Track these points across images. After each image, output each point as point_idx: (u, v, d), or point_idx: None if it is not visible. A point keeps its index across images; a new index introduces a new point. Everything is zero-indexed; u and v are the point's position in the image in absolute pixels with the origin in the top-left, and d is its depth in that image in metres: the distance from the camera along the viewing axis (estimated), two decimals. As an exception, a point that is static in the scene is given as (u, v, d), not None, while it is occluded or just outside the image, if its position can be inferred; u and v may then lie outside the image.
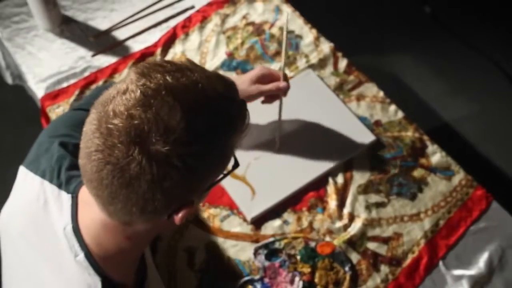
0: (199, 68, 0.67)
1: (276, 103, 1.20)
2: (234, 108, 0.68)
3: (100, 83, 1.37)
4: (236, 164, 0.74)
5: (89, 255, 0.73)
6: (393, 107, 1.37)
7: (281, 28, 1.50)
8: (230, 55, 1.44)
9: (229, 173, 0.73)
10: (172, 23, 1.51)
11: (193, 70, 0.65)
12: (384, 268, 1.14)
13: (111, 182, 0.60)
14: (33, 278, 0.80)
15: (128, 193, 0.61)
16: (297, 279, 1.11)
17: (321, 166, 1.24)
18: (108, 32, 1.47)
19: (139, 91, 0.60)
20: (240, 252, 1.14)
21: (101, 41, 1.45)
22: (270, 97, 1.18)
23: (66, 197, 0.78)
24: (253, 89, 1.14)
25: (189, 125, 0.60)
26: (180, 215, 0.68)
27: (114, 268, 0.75)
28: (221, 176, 0.72)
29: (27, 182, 0.84)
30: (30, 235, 0.80)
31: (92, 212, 0.71)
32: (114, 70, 1.40)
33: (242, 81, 1.14)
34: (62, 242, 0.75)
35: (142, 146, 0.58)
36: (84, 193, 0.75)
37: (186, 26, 1.50)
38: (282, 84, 1.14)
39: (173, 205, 0.66)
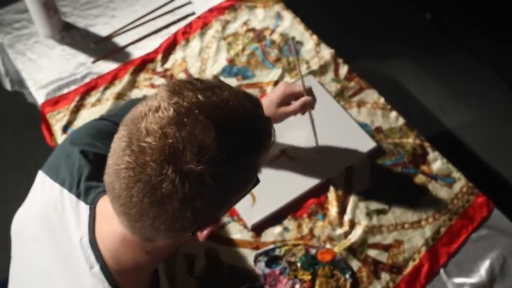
0: (227, 85, 0.67)
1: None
2: (261, 125, 0.68)
3: (101, 89, 1.37)
4: (257, 181, 0.74)
5: (104, 268, 0.73)
6: (394, 114, 1.37)
7: (282, 35, 1.50)
8: (231, 61, 1.44)
9: (250, 189, 0.73)
10: (173, 29, 1.51)
11: (222, 88, 0.65)
12: (385, 276, 1.14)
13: (141, 200, 0.60)
14: (45, 284, 0.80)
15: (158, 211, 0.61)
16: (297, 286, 1.10)
17: (322, 173, 1.24)
18: (108, 38, 1.47)
19: (172, 109, 0.60)
20: (240, 259, 1.14)
21: (101, 47, 1.46)
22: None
23: (84, 208, 0.78)
24: (280, 113, 1.13)
25: (222, 144, 0.60)
26: (205, 232, 0.68)
27: (129, 282, 0.75)
28: (244, 193, 0.72)
29: (45, 188, 0.84)
30: (45, 241, 0.80)
31: (111, 226, 0.71)
32: (114, 76, 1.40)
33: (268, 106, 1.12)
34: (78, 252, 0.75)
35: (176, 165, 0.58)
36: (104, 206, 0.75)
37: (186, 32, 1.50)
38: (307, 99, 1.13)
39: (200, 222, 0.66)
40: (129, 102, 1.09)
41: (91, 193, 0.79)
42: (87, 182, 0.81)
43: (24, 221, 0.86)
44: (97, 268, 0.73)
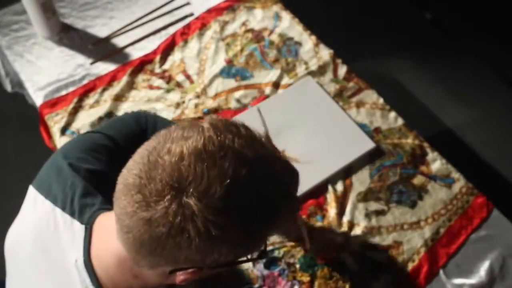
0: (273, 147, 0.65)
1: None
2: (285, 202, 0.64)
3: (99, 90, 1.37)
4: (265, 254, 0.70)
5: None
6: (393, 114, 1.36)
7: (280, 35, 1.50)
8: (229, 62, 1.44)
9: (252, 260, 0.70)
10: (171, 30, 1.51)
11: (264, 146, 0.63)
12: (384, 277, 1.13)
13: (135, 212, 0.59)
14: None
15: (144, 229, 0.59)
16: (296, 288, 1.10)
17: (321, 174, 1.24)
18: (107, 39, 1.47)
19: (202, 141, 0.59)
20: (239, 260, 1.13)
21: (100, 48, 1.45)
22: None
23: (79, 228, 0.76)
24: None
25: (228, 197, 0.57)
26: (182, 276, 0.66)
27: None
28: (243, 259, 0.68)
29: (37, 205, 0.81)
30: (39, 261, 0.78)
31: (108, 243, 0.69)
32: (113, 77, 1.40)
33: None
34: (73, 274, 0.73)
35: (177, 193, 0.57)
36: (101, 224, 0.74)
37: (185, 33, 1.50)
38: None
39: (180, 262, 0.63)
40: (121, 117, 1.06)
41: (86, 212, 0.77)
42: (82, 200, 0.79)
43: (17, 240, 0.83)
44: None
